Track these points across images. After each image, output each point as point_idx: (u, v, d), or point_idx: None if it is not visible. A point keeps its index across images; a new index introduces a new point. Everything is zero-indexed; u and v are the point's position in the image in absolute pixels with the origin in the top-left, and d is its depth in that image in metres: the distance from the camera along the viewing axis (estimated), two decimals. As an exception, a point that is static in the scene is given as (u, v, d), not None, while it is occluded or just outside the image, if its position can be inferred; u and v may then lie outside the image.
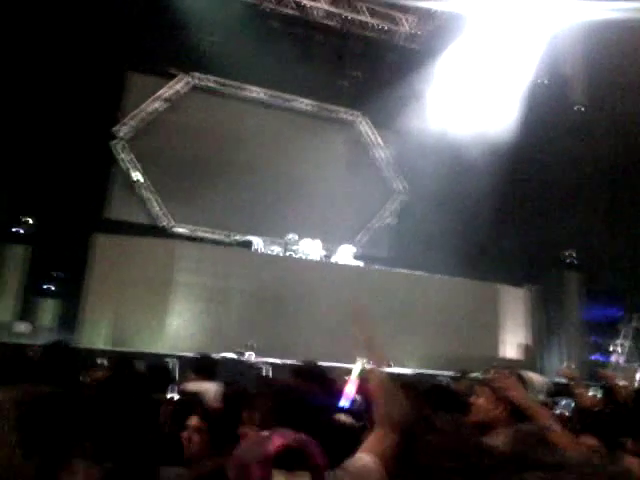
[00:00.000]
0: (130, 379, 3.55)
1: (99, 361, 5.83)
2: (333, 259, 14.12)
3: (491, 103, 15.44)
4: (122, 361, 4.43)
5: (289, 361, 9.94)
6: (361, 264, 14.34)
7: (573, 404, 4.18)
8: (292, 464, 1.26)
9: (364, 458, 1.67)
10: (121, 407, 1.67)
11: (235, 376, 6.06)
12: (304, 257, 13.74)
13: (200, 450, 2.26)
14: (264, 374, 8.85)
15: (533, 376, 2.90)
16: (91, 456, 1.39)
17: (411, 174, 17.02)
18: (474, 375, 5.38)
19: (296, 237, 13.88)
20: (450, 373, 7.98)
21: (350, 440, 2.38)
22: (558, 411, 4.11)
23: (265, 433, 1.34)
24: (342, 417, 2.75)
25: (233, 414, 2.38)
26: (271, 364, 10.08)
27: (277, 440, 1.28)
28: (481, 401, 2.37)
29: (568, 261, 16.08)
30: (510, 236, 16.02)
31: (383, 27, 16.80)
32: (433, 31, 16.48)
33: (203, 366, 4.40)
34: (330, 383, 3.32)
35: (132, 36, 14.03)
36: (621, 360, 14.91)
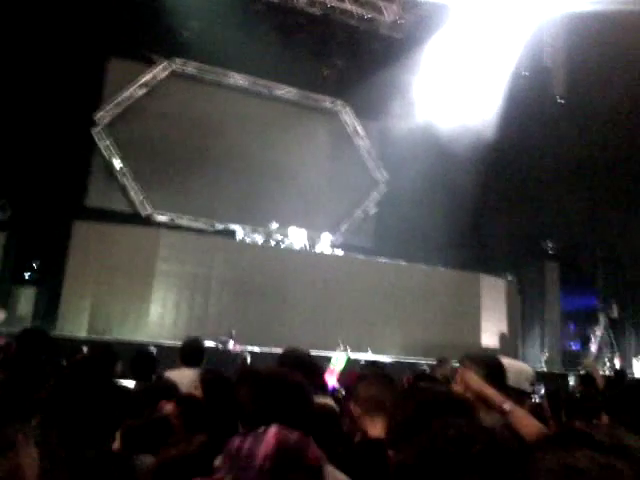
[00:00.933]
0: (105, 360, 3.55)
1: (84, 349, 5.79)
2: (316, 248, 14.13)
3: (473, 94, 15.52)
4: (100, 345, 4.42)
5: (270, 349, 9.98)
6: (341, 253, 14.38)
7: (542, 390, 4.29)
8: (289, 465, 1.27)
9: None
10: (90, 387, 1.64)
11: (217, 365, 6.05)
12: (287, 246, 13.75)
13: (175, 436, 2.26)
14: (246, 362, 8.85)
15: (515, 363, 2.95)
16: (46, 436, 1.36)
17: (393, 164, 17.06)
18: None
19: (277, 226, 13.87)
20: (430, 361, 8.06)
21: (332, 425, 2.40)
22: (537, 397, 4.21)
23: (259, 430, 1.34)
24: (323, 400, 2.76)
25: (212, 401, 2.38)
26: (252, 352, 10.10)
27: (273, 439, 1.29)
28: (457, 388, 2.41)
29: (548, 251, 16.31)
30: (491, 226, 16.19)
31: (366, 16, 16.75)
32: (416, 21, 16.46)
33: (188, 353, 4.38)
34: (314, 369, 3.33)
35: (112, 21, 13.80)
36: (598, 349, 15.20)
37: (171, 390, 2.91)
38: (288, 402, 1.64)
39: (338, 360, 11.15)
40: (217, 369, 3.31)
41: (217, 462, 1.40)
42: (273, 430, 1.32)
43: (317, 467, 1.31)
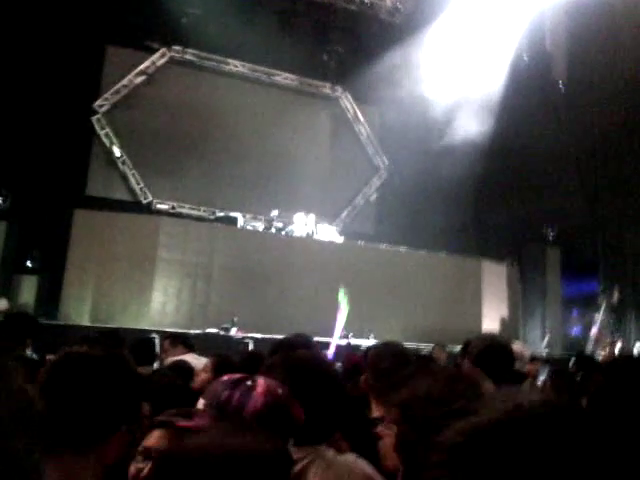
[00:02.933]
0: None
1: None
2: (317, 235, 14.13)
3: (473, 79, 15.43)
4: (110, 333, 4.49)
5: (272, 336, 10.02)
6: (342, 240, 14.39)
7: (546, 372, 4.33)
8: (276, 420, 1.27)
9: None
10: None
11: (222, 351, 6.12)
12: (288, 232, 13.77)
13: None
14: (249, 348, 8.90)
15: (518, 346, 2.99)
16: None
17: (394, 150, 17.02)
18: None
19: (277, 213, 13.89)
20: (432, 345, 8.08)
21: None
22: (542, 377, 4.25)
23: (248, 383, 1.34)
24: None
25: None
26: (254, 339, 10.15)
27: (262, 394, 1.29)
28: None
29: (548, 236, 16.31)
30: (492, 212, 16.18)
31: (366, 1, 16.62)
32: (416, 5, 16.34)
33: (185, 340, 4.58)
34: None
35: (111, 9, 13.70)
36: (598, 333, 15.24)
37: (192, 371, 2.99)
38: (322, 387, 1.62)
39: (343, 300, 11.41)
40: (226, 354, 3.39)
41: (200, 406, 1.40)
42: (262, 384, 1.32)
43: (300, 422, 1.32)
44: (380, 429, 1.54)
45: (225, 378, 1.41)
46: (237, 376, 1.39)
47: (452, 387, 1.43)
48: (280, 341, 3.04)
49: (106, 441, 1.26)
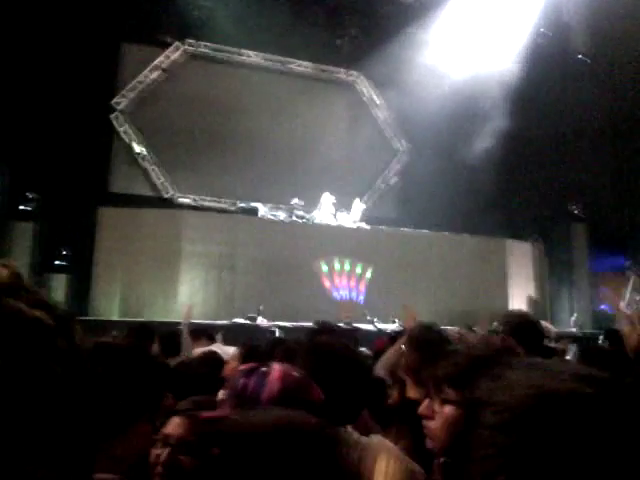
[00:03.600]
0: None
1: (114, 333, 5.99)
2: (341, 219, 14.11)
3: (493, 55, 15.18)
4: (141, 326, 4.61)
5: (299, 323, 10.09)
6: (365, 225, 14.36)
7: (574, 349, 4.30)
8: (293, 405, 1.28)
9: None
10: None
11: (250, 340, 6.22)
12: (310, 219, 13.81)
13: None
14: (275, 336, 8.98)
15: (546, 325, 2.99)
16: None
17: (413, 132, 16.86)
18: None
19: (297, 201, 13.93)
20: (458, 328, 8.07)
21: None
22: (569, 355, 4.22)
23: (263, 369, 1.35)
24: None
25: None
26: (282, 327, 10.23)
27: (278, 380, 1.30)
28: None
29: (574, 213, 16.05)
30: (515, 190, 15.97)
31: (378, -18, 16.40)
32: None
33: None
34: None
35: (125, 6, 13.80)
36: (628, 308, 15.00)
37: (222, 361, 3.07)
38: (343, 370, 1.64)
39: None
40: (253, 343, 3.45)
41: (221, 396, 1.40)
42: (277, 369, 1.33)
43: (319, 404, 1.32)
44: (423, 409, 1.55)
45: (242, 367, 1.42)
46: (253, 364, 1.40)
47: (493, 350, 1.44)
48: (307, 330, 3.09)
49: (127, 431, 1.27)
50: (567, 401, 0.58)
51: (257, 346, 3.31)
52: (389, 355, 2.92)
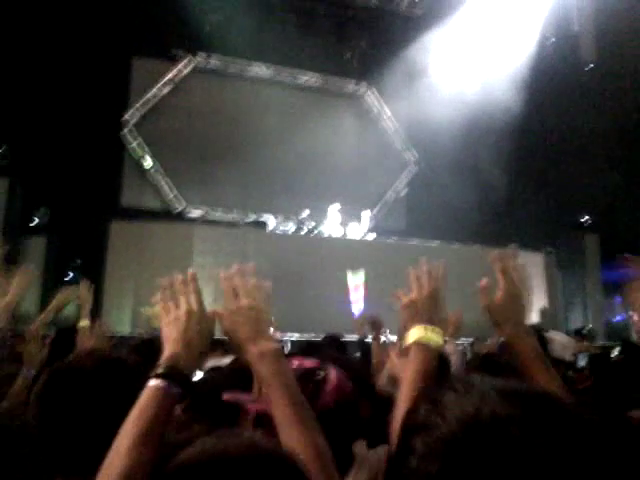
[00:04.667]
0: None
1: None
2: (351, 231, 14.11)
3: (500, 65, 15.17)
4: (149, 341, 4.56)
5: (310, 335, 10.06)
6: (374, 236, 14.33)
7: (585, 360, 4.24)
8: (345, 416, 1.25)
9: None
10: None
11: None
12: (319, 232, 13.81)
13: None
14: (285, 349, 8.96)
15: (560, 336, 2.95)
16: None
17: (422, 143, 16.85)
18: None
19: (308, 213, 13.95)
20: (469, 340, 8.01)
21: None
22: (580, 365, 4.17)
23: (318, 377, 1.33)
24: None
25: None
26: (292, 340, 10.20)
27: (334, 391, 1.27)
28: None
29: (586, 223, 15.92)
30: (525, 200, 15.89)
31: (386, -5, 16.50)
32: (437, -4, 16.14)
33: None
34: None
35: (133, 20, 13.96)
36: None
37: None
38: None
39: (354, 277, 11.45)
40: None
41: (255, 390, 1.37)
42: (333, 381, 1.32)
43: (368, 419, 1.31)
44: None
45: (295, 364, 1.38)
46: (308, 365, 1.37)
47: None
48: (307, 343, 3.07)
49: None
50: (490, 429, 0.59)
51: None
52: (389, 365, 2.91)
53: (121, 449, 0.99)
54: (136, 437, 1.00)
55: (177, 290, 1.41)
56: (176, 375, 1.13)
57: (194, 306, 1.36)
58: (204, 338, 1.29)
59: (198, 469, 0.84)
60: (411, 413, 0.69)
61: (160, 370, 1.12)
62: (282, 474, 0.84)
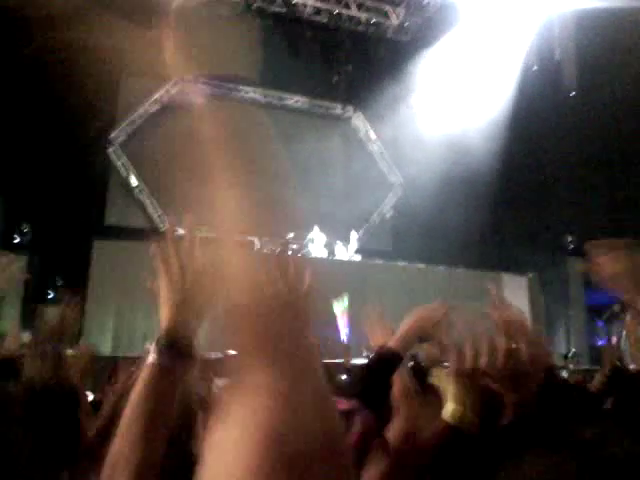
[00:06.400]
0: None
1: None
2: (338, 253, 14.13)
3: (484, 91, 15.44)
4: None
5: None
6: (359, 258, 14.36)
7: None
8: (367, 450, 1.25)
9: None
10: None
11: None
12: (305, 254, 13.78)
13: None
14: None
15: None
16: None
17: (408, 166, 17.01)
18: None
19: (293, 235, 13.92)
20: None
21: None
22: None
23: (344, 408, 1.30)
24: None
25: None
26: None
27: (360, 426, 1.26)
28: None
29: (569, 247, 16.09)
30: (510, 224, 16.05)
31: (372, 20, 16.79)
32: (423, 22, 16.47)
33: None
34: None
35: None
36: (623, 343, 14.92)
37: None
38: None
39: (338, 305, 11.38)
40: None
41: None
42: (359, 422, 1.29)
43: (387, 451, 1.31)
44: None
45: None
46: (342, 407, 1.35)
47: None
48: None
49: None
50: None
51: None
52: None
53: (128, 435, 0.96)
54: (140, 419, 0.97)
55: (167, 251, 1.30)
56: (174, 344, 1.06)
57: (185, 260, 1.27)
58: (206, 288, 1.23)
59: None
60: None
61: (156, 343, 1.08)
62: None
